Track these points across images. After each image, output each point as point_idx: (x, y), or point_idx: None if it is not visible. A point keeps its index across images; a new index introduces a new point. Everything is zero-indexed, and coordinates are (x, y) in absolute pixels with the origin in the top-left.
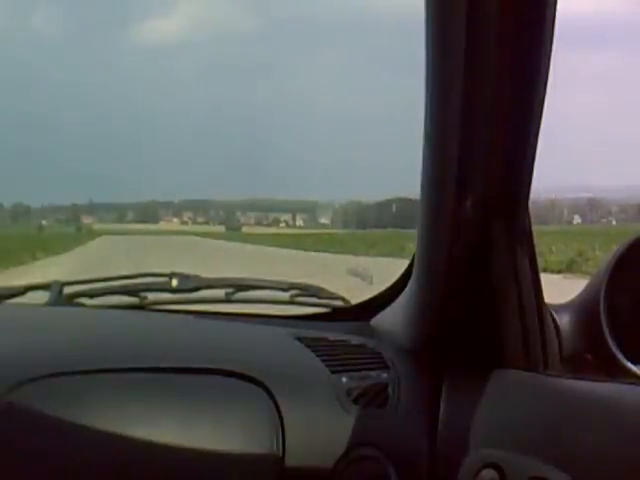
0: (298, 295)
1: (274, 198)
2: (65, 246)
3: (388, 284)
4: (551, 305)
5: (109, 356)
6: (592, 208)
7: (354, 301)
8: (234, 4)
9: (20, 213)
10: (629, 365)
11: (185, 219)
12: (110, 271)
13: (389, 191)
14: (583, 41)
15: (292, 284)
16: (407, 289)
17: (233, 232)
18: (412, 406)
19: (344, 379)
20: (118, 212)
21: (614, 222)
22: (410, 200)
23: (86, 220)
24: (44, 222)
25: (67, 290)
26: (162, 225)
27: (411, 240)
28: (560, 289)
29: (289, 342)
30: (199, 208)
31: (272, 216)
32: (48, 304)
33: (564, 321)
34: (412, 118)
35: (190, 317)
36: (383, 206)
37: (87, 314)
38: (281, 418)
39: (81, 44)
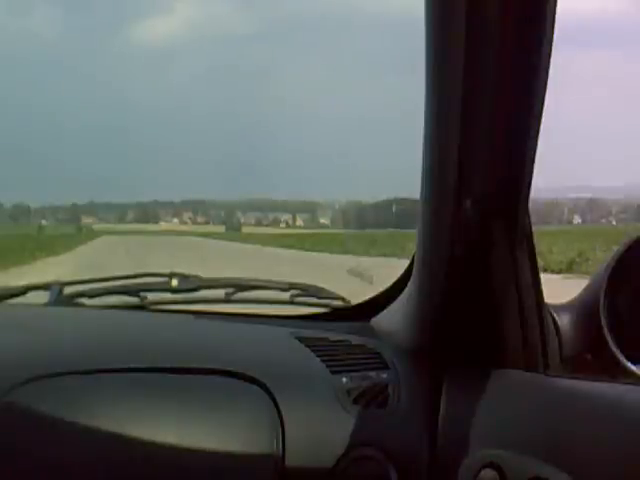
0: (298, 295)
1: (274, 198)
2: (65, 246)
3: (388, 284)
4: (551, 305)
5: (109, 356)
6: (592, 208)
7: (354, 301)
8: (234, 5)
9: (20, 213)
10: (629, 365)
11: (185, 219)
12: (110, 271)
13: (389, 191)
14: (583, 41)
15: (292, 284)
16: (407, 289)
17: (233, 232)
18: (412, 406)
19: (344, 379)
20: (118, 212)
21: (614, 222)
22: (410, 200)
23: (86, 220)
24: (44, 222)
25: (67, 290)
26: (162, 225)
27: (411, 240)
28: (560, 289)
29: (289, 342)
30: (199, 208)
31: (272, 216)
32: (48, 304)
33: (564, 321)
34: (412, 118)
35: (190, 317)
36: (383, 206)
37: (87, 314)
38: (281, 418)
39: (81, 45)
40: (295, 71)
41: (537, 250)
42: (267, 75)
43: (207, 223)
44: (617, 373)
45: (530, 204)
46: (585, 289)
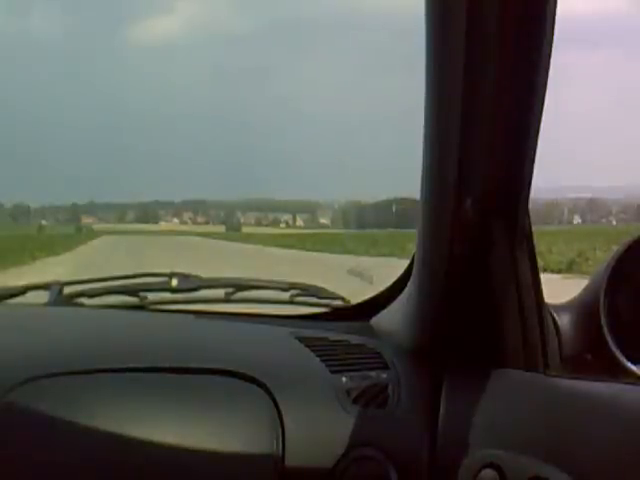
0: (298, 295)
1: (274, 198)
2: (65, 246)
3: (388, 284)
4: (551, 305)
5: (109, 356)
6: (592, 208)
7: (354, 301)
8: (233, 5)
9: (20, 213)
10: (629, 365)
11: (185, 219)
12: (110, 271)
13: (389, 191)
14: (583, 41)
15: (292, 284)
16: (407, 289)
17: (233, 232)
18: (412, 406)
19: (344, 379)
20: (118, 212)
21: (614, 222)
22: (410, 200)
23: (86, 220)
24: (44, 222)
25: (67, 290)
26: (162, 225)
27: (411, 240)
28: (560, 289)
29: (289, 342)
30: (199, 208)
31: (272, 216)
32: (48, 304)
33: (564, 321)
34: (412, 118)
35: (190, 317)
36: (383, 206)
37: (87, 314)
38: (281, 418)
39: (82, 45)
40: (295, 71)
41: (537, 250)
42: (267, 75)
43: (207, 223)
44: (617, 373)
45: (530, 204)
46: (585, 289)
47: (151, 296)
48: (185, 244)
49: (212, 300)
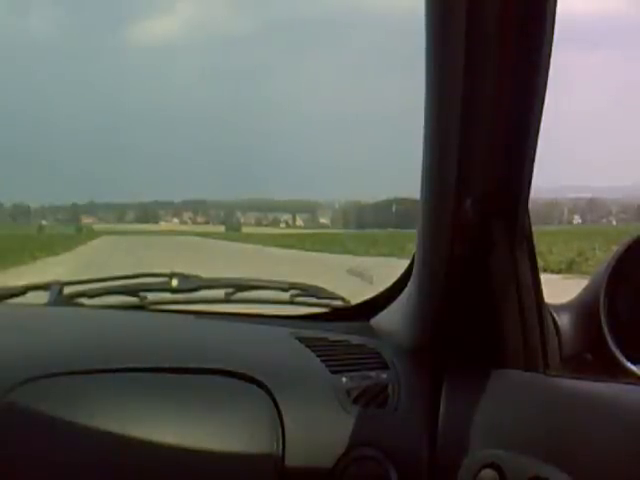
0: (298, 295)
1: (274, 198)
2: (65, 246)
3: (388, 284)
4: (551, 305)
5: (109, 356)
6: (592, 208)
7: (354, 301)
8: (232, 7)
9: (20, 213)
10: (629, 365)
11: (185, 219)
12: (110, 271)
13: (389, 191)
14: (583, 41)
15: (292, 284)
16: (407, 289)
17: (233, 232)
18: (412, 406)
19: (344, 379)
20: (118, 212)
21: (614, 222)
22: (410, 200)
23: (86, 220)
24: (44, 222)
25: (67, 290)
26: (162, 225)
27: (411, 240)
28: (560, 289)
29: (289, 342)
30: (199, 208)
31: (272, 216)
32: (48, 304)
33: (564, 321)
34: (412, 118)
35: (190, 317)
36: (383, 206)
37: (87, 314)
38: (281, 418)
39: (81, 45)
40: (294, 71)
41: (537, 250)
42: (267, 75)
43: (207, 223)
44: (617, 373)
45: (530, 204)
46: (585, 289)
47: (151, 296)
48: (185, 244)
49: (212, 300)
